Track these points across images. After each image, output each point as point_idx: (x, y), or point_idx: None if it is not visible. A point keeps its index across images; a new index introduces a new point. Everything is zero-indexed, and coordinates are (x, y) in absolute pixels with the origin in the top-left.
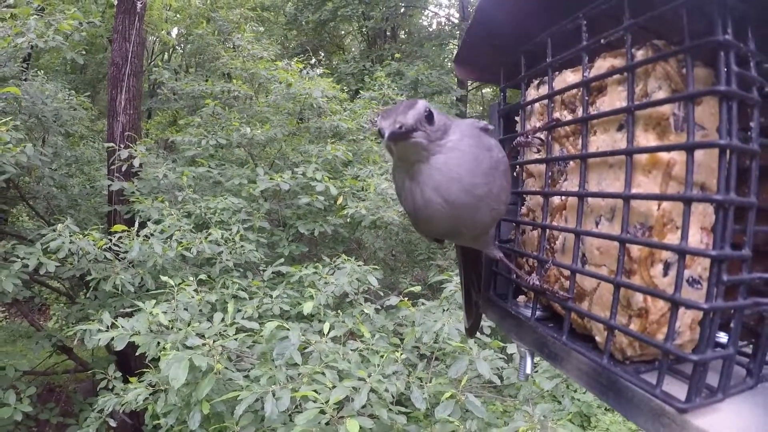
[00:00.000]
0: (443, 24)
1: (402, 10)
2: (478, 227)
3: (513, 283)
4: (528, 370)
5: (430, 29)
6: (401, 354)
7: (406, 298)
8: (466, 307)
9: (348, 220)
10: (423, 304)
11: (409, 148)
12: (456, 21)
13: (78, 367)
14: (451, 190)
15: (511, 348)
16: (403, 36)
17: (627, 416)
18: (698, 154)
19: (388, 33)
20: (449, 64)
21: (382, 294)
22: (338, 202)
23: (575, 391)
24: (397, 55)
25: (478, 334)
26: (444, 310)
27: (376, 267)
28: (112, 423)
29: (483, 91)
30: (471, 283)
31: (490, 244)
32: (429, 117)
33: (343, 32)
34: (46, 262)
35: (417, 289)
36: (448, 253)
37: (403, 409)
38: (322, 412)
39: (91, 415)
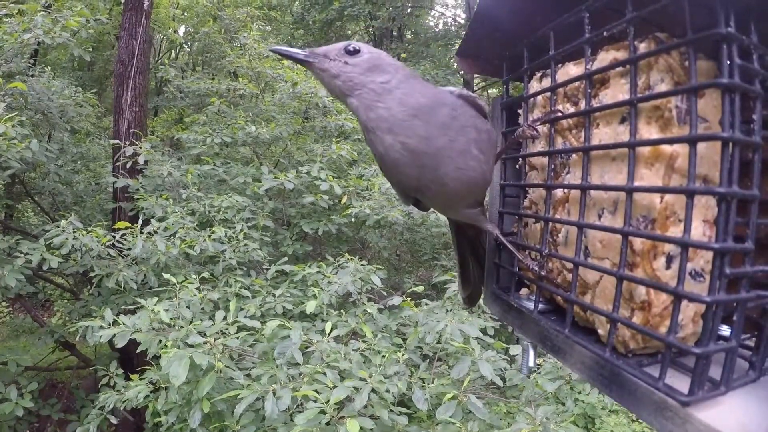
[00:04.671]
0: (449, 24)
1: (408, 10)
2: (449, 187)
3: (516, 276)
4: (531, 364)
5: (437, 29)
6: (404, 354)
7: (410, 298)
8: (462, 277)
9: (352, 219)
10: (426, 304)
11: (319, 76)
12: (462, 21)
13: (80, 363)
14: (403, 128)
15: (514, 349)
16: (409, 36)
17: (630, 409)
18: (701, 146)
19: (394, 33)
20: (455, 64)
21: (385, 294)
22: (342, 202)
23: (579, 392)
24: (403, 55)
25: (481, 335)
26: (447, 311)
27: (380, 267)
28: (114, 420)
29: (489, 91)
30: (465, 253)
31: (483, 220)
32: (352, 52)
33: (349, 32)
34: (50, 258)
35: (420, 289)
36: (452, 253)
37: (404, 410)
38: (323, 411)
39: (92, 411)
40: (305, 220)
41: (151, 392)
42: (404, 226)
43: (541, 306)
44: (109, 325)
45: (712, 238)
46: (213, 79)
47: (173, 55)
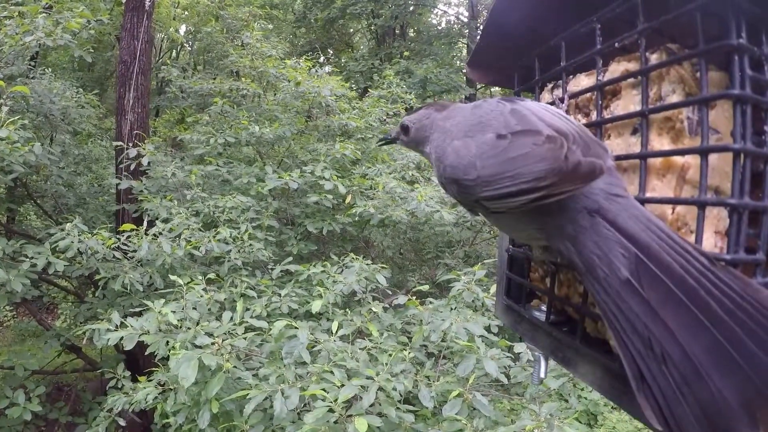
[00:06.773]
0: (452, 22)
1: (411, 8)
2: None
3: (526, 287)
4: (542, 374)
5: (439, 27)
6: (409, 353)
7: (415, 297)
8: None
9: (356, 218)
10: (431, 302)
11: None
12: (465, 19)
13: (87, 366)
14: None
15: (519, 347)
16: (412, 34)
17: (642, 420)
18: (712, 157)
19: (397, 31)
20: (458, 62)
21: (390, 293)
22: (347, 201)
23: (582, 389)
24: (406, 54)
25: (486, 333)
26: (452, 309)
27: (385, 266)
28: (122, 422)
29: (492, 89)
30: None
31: None
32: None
33: (351, 30)
34: (55, 261)
35: (425, 287)
36: (455, 252)
37: (411, 408)
38: (331, 410)
39: (100, 414)
40: (309, 220)
41: (159, 393)
42: (408, 225)
43: (552, 317)
44: (117, 327)
45: (723, 249)
46: (215, 78)
47: (174, 54)
